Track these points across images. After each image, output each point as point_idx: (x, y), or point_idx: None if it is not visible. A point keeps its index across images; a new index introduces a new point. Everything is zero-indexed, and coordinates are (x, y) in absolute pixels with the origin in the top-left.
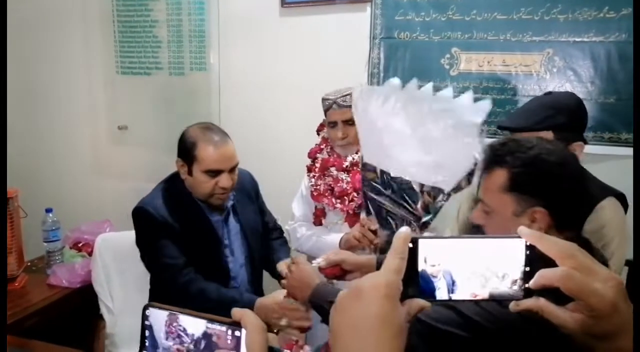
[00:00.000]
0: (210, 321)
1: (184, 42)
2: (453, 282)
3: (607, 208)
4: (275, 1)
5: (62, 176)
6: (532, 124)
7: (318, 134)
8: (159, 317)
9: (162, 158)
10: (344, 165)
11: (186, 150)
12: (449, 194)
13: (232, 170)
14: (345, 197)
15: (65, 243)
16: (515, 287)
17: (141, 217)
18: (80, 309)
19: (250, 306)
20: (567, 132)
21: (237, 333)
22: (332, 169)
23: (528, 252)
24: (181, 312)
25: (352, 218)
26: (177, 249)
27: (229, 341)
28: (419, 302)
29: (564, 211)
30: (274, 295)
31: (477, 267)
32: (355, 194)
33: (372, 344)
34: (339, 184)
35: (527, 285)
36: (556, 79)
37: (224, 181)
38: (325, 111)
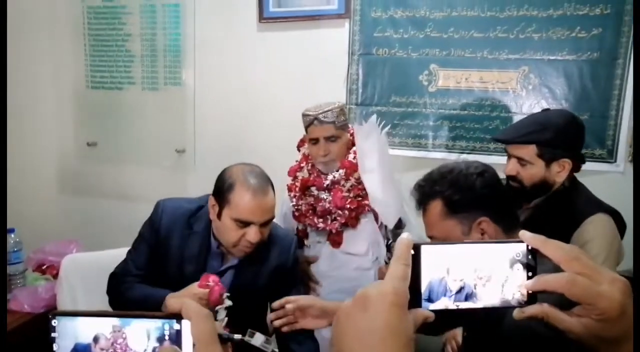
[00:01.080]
0: (141, 317)
1: (158, 56)
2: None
3: (595, 224)
4: (252, 16)
5: (26, 194)
6: (517, 136)
7: (298, 150)
8: (67, 325)
9: (133, 176)
10: (325, 185)
11: (221, 190)
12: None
13: (265, 224)
14: (328, 216)
15: (28, 265)
16: (518, 294)
17: (154, 209)
18: (44, 336)
19: (160, 302)
20: (551, 148)
21: (176, 326)
22: (313, 188)
23: (530, 256)
24: (98, 315)
25: (334, 237)
26: (147, 263)
27: (166, 337)
28: (423, 312)
29: (503, 214)
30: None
31: (479, 273)
32: (339, 212)
33: None
34: (320, 204)
35: (530, 291)
36: (532, 96)
37: (252, 234)
38: (306, 127)
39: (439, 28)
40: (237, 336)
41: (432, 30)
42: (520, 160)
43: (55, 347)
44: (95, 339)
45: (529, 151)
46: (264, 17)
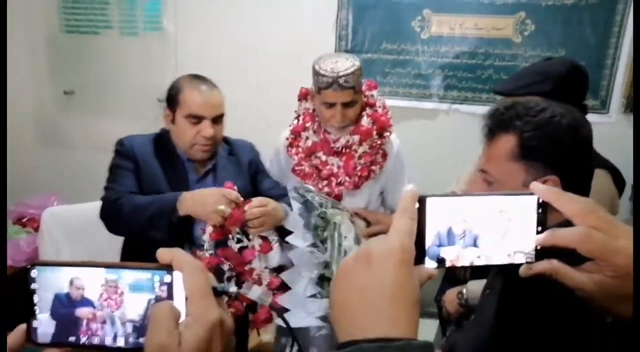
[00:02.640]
0: (128, 268)
1: None
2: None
3: (594, 179)
4: None
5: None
6: (517, 88)
7: (299, 102)
8: (52, 277)
9: (113, 126)
10: (334, 148)
11: (171, 96)
12: None
13: (216, 120)
14: (333, 178)
15: (8, 218)
16: (527, 249)
17: (115, 148)
18: (26, 290)
19: (173, 201)
20: (554, 98)
21: (166, 279)
22: (320, 153)
23: (540, 210)
24: (80, 265)
25: (335, 197)
26: (134, 185)
27: (156, 290)
28: (427, 270)
29: (575, 179)
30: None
31: (488, 227)
32: (347, 178)
33: (387, 317)
34: (327, 167)
35: (538, 247)
36: (528, 43)
37: (206, 129)
38: (320, 88)
39: None
40: (233, 289)
41: None
42: None
43: (35, 298)
44: (71, 283)
45: None
46: None
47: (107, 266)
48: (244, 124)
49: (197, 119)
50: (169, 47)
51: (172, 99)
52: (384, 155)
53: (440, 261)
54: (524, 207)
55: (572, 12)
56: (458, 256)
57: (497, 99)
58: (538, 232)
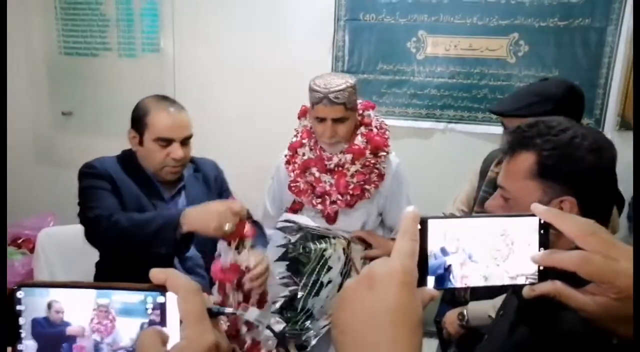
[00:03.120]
0: (119, 289)
1: (134, 21)
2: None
3: None
4: None
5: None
6: (516, 109)
7: (299, 119)
8: (37, 299)
9: (110, 146)
10: (327, 166)
11: (138, 118)
12: None
13: (185, 142)
14: (327, 197)
15: None
16: (530, 270)
17: (84, 171)
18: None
19: (176, 216)
20: None
21: (159, 300)
22: (314, 169)
23: (542, 231)
24: (68, 286)
25: (330, 216)
26: (116, 202)
27: (149, 312)
28: (430, 291)
29: (594, 202)
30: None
31: (489, 249)
32: (339, 197)
33: (390, 339)
34: (320, 185)
35: (541, 267)
36: (522, 63)
37: (176, 151)
38: (313, 103)
39: None
40: (229, 310)
41: None
42: None
43: (21, 321)
44: (49, 306)
45: None
46: None
47: (97, 286)
48: (241, 143)
49: (167, 141)
50: (166, 68)
51: (139, 121)
52: (380, 175)
53: (442, 282)
54: (526, 229)
55: (565, 34)
56: (461, 276)
57: (492, 118)
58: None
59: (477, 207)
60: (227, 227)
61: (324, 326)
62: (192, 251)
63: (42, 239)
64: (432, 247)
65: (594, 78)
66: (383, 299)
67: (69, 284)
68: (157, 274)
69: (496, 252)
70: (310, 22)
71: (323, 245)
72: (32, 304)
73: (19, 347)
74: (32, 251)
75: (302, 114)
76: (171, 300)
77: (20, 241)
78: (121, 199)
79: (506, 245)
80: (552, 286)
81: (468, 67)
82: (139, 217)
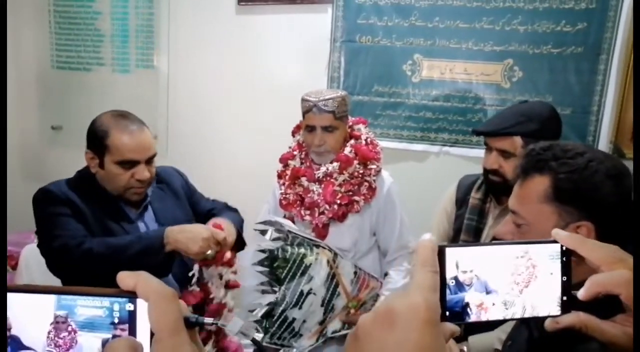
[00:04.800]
0: (85, 295)
1: (129, 37)
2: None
3: None
4: None
5: None
6: (502, 128)
7: (293, 136)
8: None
9: None
10: (316, 176)
11: (96, 139)
12: None
13: (149, 161)
14: (316, 209)
15: None
16: (552, 301)
17: (40, 197)
18: None
19: (159, 237)
20: (536, 139)
21: (128, 307)
22: (303, 179)
23: (564, 258)
24: (30, 291)
25: (320, 230)
26: (82, 228)
27: (115, 321)
28: (450, 327)
29: (612, 227)
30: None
31: (509, 278)
32: (327, 207)
33: None
34: (309, 195)
35: (564, 297)
36: (516, 89)
37: (141, 172)
38: (304, 113)
39: (424, 17)
40: (209, 320)
41: (417, 19)
42: (504, 153)
43: None
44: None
45: (514, 143)
46: None
47: (59, 291)
48: (235, 161)
49: (131, 163)
50: (160, 85)
51: (98, 143)
52: (371, 188)
53: (459, 316)
54: (547, 256)
55: (558, 61)
56: (480, 309)
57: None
58: (563, 282)
59: (463, 235)
60: (209, 253)
61: (309, 346)
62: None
63: (26, 255)
64: (448, 277)
65: (587, 105)
66: (405, 338)
67: (23, 289)
68: (125, 278)
69: (517, 279)
70: (306, 43)
71: (302, 250)
72: None
73: None
74: (14, 267)
75: (297, 129)
76: (142, 308)
77: None
78: (86, 224)
79: (526, 273)
80: (577, 318)
81: (463, 91)
82: (116, 242)
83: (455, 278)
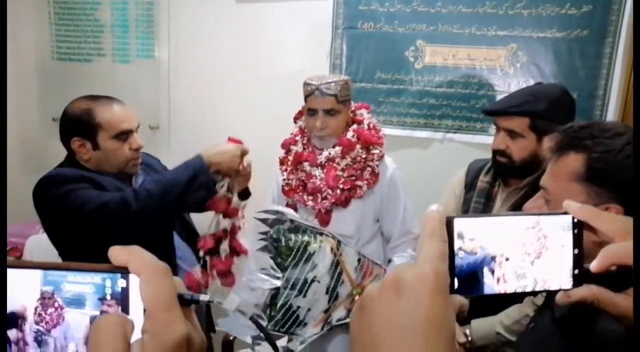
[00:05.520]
0: (74, 270)
1: (129, 27)
2: (492, 271)
3: None
4: None
5: None
6: (508, 107)
7: (295, 122)
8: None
9: None
10: (319, 161)
11: (82, 123)
12: None
13: (136, 129)
14: (318, 194)
15: None
16: (564, 275)
17: (49, 182)
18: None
19: (200, 161)
20: (544, 120)
21: (120, 284)
22: (306, 164)
23: (576, 231)
24: (21, 266)
25: (323, 216)
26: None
27: (107, 298)
28: (459, 299)
29: None
30: None
31: (520, 248)
32: (329, 192)
33: None
34: (311, 180)
35: (576, 271)
36: (520, 74)
37: (136, 141)
38: (306, 97)
39: (427, 2)
40: (204, 297)
41: (419, 5)
42: (511, 133)
43: None
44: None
45: (521, 123)
46: None
47: (48, 266)
48: None
49: (126, 134)
50: (161, 75)
51: (85, 126)
52: (374, 174)
53: (472, 288)
54: (559, 228)
55: (563, 45)
56: (496, 280)
57: (492, 127)
58: (575, 255)
59: None
60: (245, 163)
61: (314, 334)
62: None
63: (30, 246)
64: (457, 248)
65: (593, 89)
66: (412, 307)
67: (24, 265)
68: (117, 252)
69: (528, 250)
70: (308, 30)
71: (306, 238)
72: None
73: None
74: (19, 258)
75: (299, 115)
76: (134, 285)
77: (8, 248)
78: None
79: (537, 245)
80: (590, 291)
81: (466, 77)
82: (164, 177)
83: (465, 249)
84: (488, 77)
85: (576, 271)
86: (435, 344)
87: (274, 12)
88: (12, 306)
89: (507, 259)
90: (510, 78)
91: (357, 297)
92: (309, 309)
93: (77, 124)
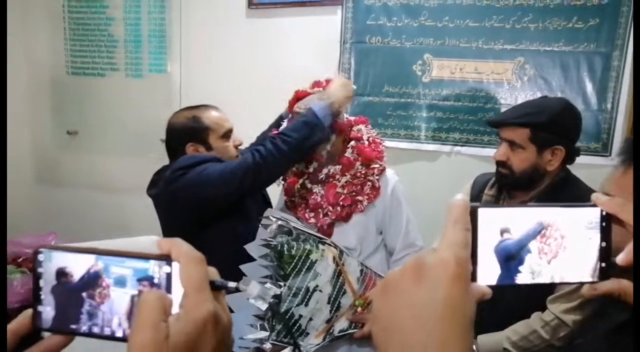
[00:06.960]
0: (129, 258)
1: (142, 42)
2: (519, 261)
3: None
4: (241, 2)
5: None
6: (510, 117)
7: None
8: (52, 262)
9: (116, 166)
10: (319, 177)
11: (191, 129)
12: None
13: None
14: (320, 210)
15: None
16: (590, 267)
17: (181, 169)
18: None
19: (326, 105)
20: (545, 132)
21: (166, 269)
22: (306, 181)
23: (604, 224)
24: (80, 251)
25: (325, 231)
26: None
27: (156, 280)
28: (481, 287)
29: None
30: None
31: (545, 242)
32: (330, 208)
33: (438, 340)
34: (312, 197)
35: (603, 264)
36: (527, 88)
37: (237, 137)
38: None
39: (434, 16)
40: (232, 284)
41: (427, 19)
42: (512, 144)
43: (41, 283)
44: (60, 273)
45: (522, 134)
46: (254, 2)
47: (108, 253)
48: None
49: (230, 132)
50: (173, 89)
51: (196, 131)
52: (375, 188)
53: (504, 276)
54: (586, 221)
55: (570, 58)
56: (516, 273)
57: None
58: (601, 248)
59: None
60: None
61: (316, 345)
62: None
63: None
64: (480, 237)
65: (601, 102)
66: (432, 293)
67: (85, 250)
68: (162, 243)
69: (554, 245)
70: (316, 45)
71: (308, 246)
72: (49, 267)
73: (39, 308)
74: (31, 270)
75: None
76: (176, 271)
77: (20, 259)
78: None
79: (564, 237)
80: (617, 284)
81: (474, 90)
82: (285, 131)
83: (486, 238)
84: (495, 91)
85: (603, 264)
86: (451, 328)
87: (283, 28)
88: (72, 278)
89: (529, 249)
90: (517, 91)
91: (359, 309)
92: (310, 319)
93: (188, 130)
